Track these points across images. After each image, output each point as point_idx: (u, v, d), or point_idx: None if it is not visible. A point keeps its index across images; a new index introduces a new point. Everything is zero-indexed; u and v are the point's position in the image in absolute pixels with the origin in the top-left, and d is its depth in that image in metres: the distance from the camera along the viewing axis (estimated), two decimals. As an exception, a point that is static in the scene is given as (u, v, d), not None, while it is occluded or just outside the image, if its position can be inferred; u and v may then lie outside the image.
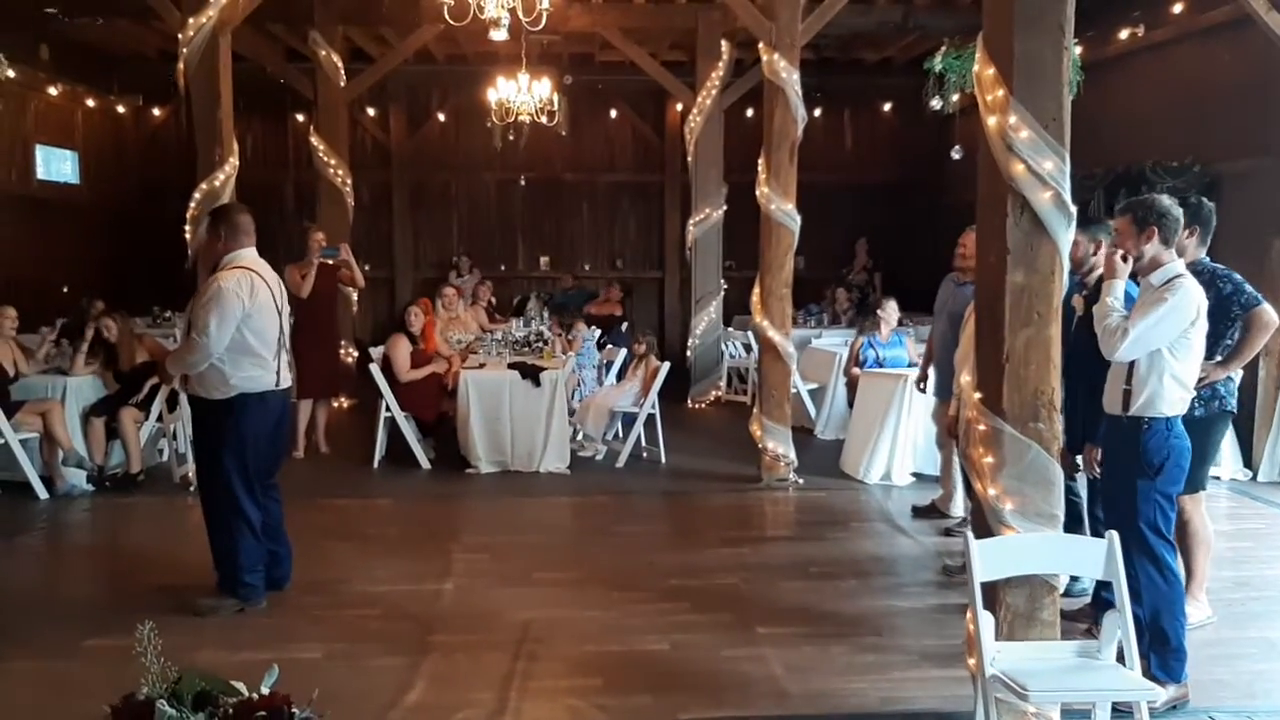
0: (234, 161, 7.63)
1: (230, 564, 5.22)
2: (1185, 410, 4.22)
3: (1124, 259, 4.21)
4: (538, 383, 8.25)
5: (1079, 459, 4.80)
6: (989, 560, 3.53)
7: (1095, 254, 5.01)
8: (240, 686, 2.22)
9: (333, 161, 11.15)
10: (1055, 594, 3.74)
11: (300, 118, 14.11)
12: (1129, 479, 4.18)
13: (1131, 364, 4.15)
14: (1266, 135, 8.13)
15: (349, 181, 11.29)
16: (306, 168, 11.51)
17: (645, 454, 8.86)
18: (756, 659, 4.68)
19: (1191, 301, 4.10)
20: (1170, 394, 4.13)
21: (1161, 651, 4.15)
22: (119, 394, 7.90)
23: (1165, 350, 4.10)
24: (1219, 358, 4.83)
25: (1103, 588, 4.87)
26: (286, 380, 5.39)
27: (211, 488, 5.27)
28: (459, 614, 5.24)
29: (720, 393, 11.88)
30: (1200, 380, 4.64)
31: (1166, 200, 4.31)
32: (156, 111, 14.81)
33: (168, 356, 5.44)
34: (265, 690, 2.24)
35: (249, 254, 5.23)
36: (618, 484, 8.13)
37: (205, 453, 5.32)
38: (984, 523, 3.75)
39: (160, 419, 8.04)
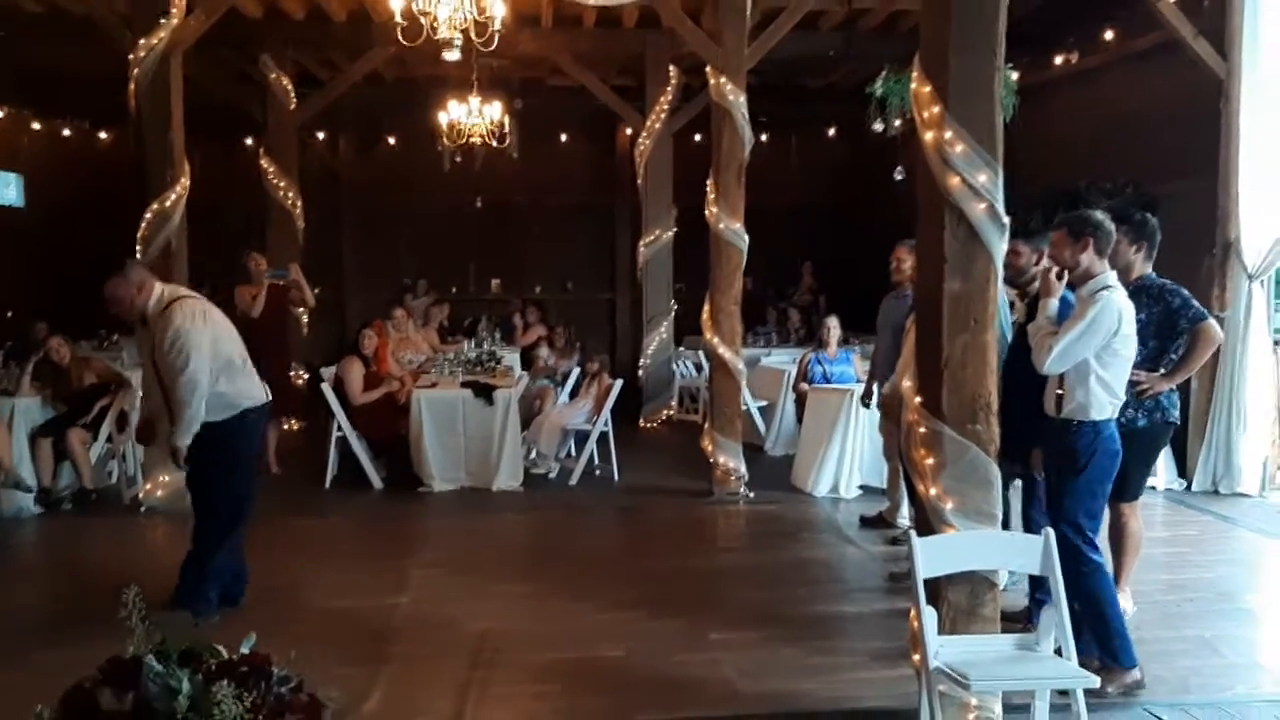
0: (185, 182, 7.63)
1: (197, 580, 5.24)
2: (1114, 414, 4.39)
3: (1059, 276, 4.40)
4: (490, 401, 8.32)
5: (1017, 465, 4.97)
6: (931, 557, 3.67)
7: (1038, 263, 5.20)
8: (221, 649, 2.29)
9: (282, 184, 11.17)
10: (995, 590, 3.89)
11: (250, 140, 14.09)
12: (1059, 477, 4.40)
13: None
14: (1196, 157, 8.43)
15: (299, 204, 11.31)
16: (255, 189, 11.49)
17: (598, 471, 8.94)
18: (710, 663, 4.78)
19: (1113, 313, 4.27)
20: (1098, 399, 4.32)
21: (1103, 638, 4.34)
22: (66, 415, 7.84)
23: (1092, 359, 4.28)
24: (1163, 370, 5.00)
25: (1036, 588, 5.04)
26: (267, 391, 5.49)
27: (215, 505, 5.29)
28: (416, 626, 5.29)
29: (672, 412, 11.99)
30: (1145, 391, 4.86)
31: (1100, 214, 4.52)
32: (104, 134, 14.70)
33: (171, 431, 5.14)
34: (245, 652, 2.31)
35: (168, 287, 5.30)
36: (572, 500, 8.21)
37: (210, 472, 5.28)
38: (926, 522, 3.90)
39: (110, 440, 7.98)
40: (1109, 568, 4.53)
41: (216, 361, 5.10)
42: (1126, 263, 5.18)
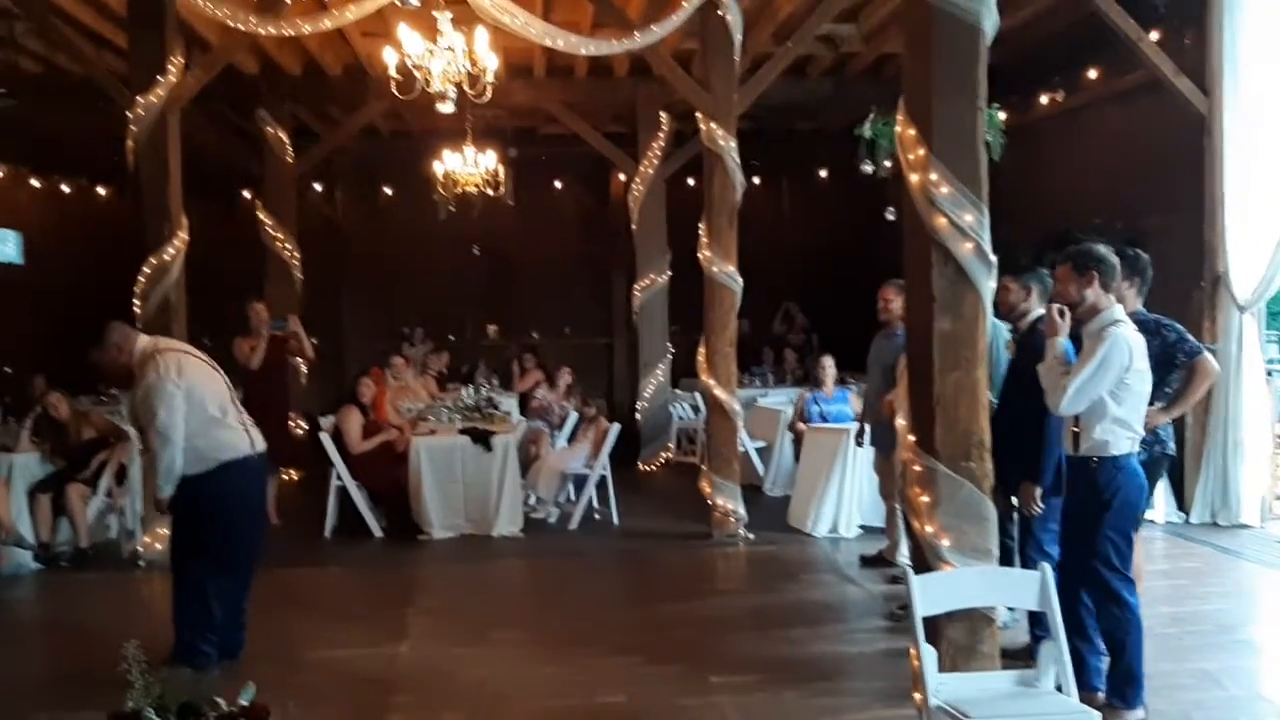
0: (183, 236, 7.70)
1: (192, 632, 5.21)
2: (1133, 449, 4.39)
3: (1061, 314, 4.41)
4: (489, 447, 8.34)
5: (1014, 499, 4.99)
6: (929, 595, 3.67)
7: (1027, 299, 5.24)
8: (221, 701, 2.30)
9: (280, 236, 11.27)
10: (994, 626, 3.90)
11: (247, 194, 14.21)
12: (1083, 516, 4.38)
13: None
14: (1182, 192, 8.53)
15: (297, 255, 11.40)
16: (253, 242, 11.59)
17: (597, 515, 8.94)
18: (712, 707, 4.76)
19: (1123, 349, 4.28)
20: (1115, 434, 4.32)
21: (1120, 680, 4.34)
22: (66, 470, 7.85)
23: (1106, 396, 4.29)
24: (1160, 404, 5.02)
25: (1036, 624, 5.05)
26: (260, 444, 5.44)
27: (185, 557, 5.27)
28: (416, 674, 5.27)
29: (670, 455, 12.01)
30: (1145, 425, 4.89)
31: (1103, 248, 4.53)
32: (101, 191, 14.83)
33: (155, 485, 5.29)
34: (243, 703, 2.32)
35: (146, 340, 5.35)
36: (571, 545, 8.20)
37: (184, 523, 5.31)
38: (923, 560, 3.92)
39: (109, 494, 7.98)
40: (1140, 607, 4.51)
41: (192, 414, 5.09)
42: (1119, 298, 5.23)
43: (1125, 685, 4.38)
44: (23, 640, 6.33)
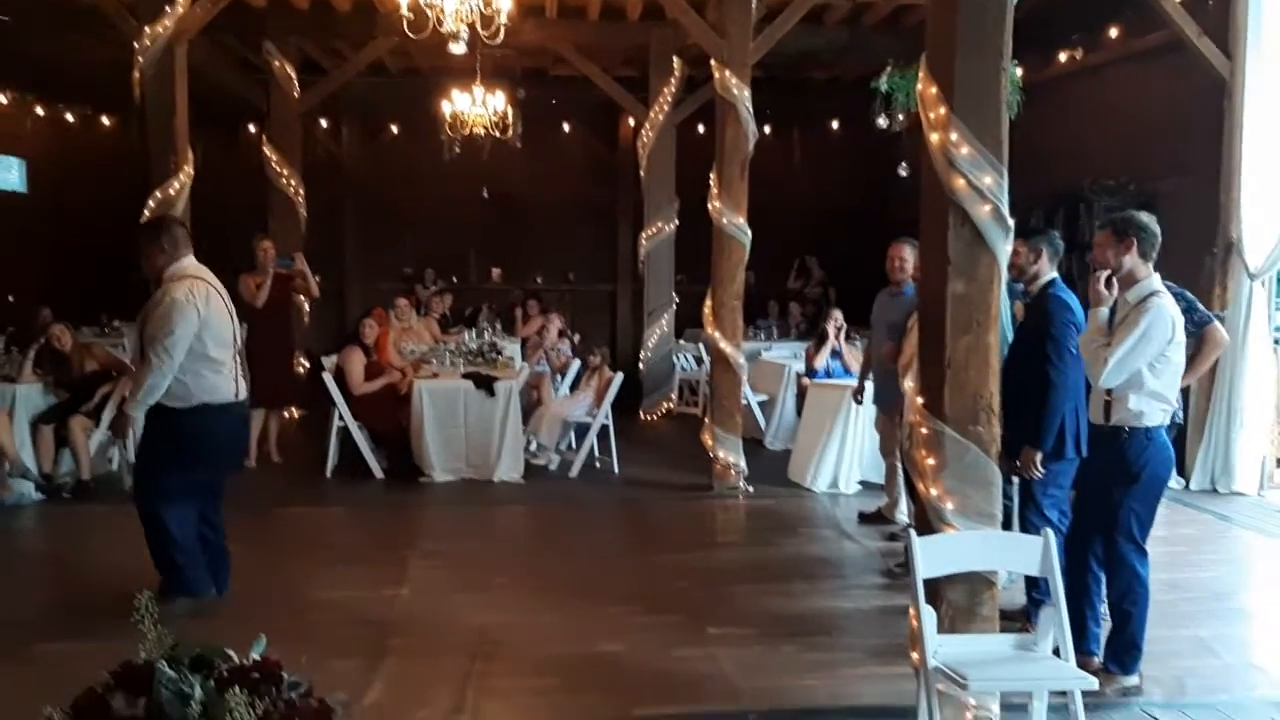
0: (188, 170, 7.65)
1: (168, 562, 5.22)
2: (1166, 420, 4.38)
3: (1108, 284, 4.35)
4: (492, 392, 8.33)
5: (1016, 463, 4.98)
6: (931, 557, 3.68)
7: (1035, 263, 5.20)
8: (233, 654, 2.31)
9: (285, 172, 11.17)
10: (994, 590, 3.91)
11: (253, 128, 14.08)
12: (1107, 486, 4.36)
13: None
14: (1197, 156, 8.44)
15: (301, 192, 11.31)
16: (258, 178, 11.50)
17: (598, 464, 8.96)
18: (708, 658, 4.80)
19: (1165, 321, 4.25)
20: (1149, 406, 4.30)
21: (1120, 648, 4.38)
22: (69, 402, 7.85)
23: (1144, 368, 4.26)
24: None
25: (1034, 587, 5.08)
26: (244, 391, 5.43)
27: (149, 489, 5.26)
28: (415, 618, 5.30)
29: (672, 405, 12.02)
30: None
31: (1145, 216, 4.47)
32: (106, 120, 14.69)
33: (128, 399, 5.19)
34: (255, 657, 2.33)
35: (191, 262, 5.27)
36: (572, 493, 8.23)
37: (152, 455, 5.28)
38: (926, 521, 3.92)
39: (111, 427, 7.99)
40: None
41: (194, 350, 5.06)
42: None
43: (1125, 653, 4.41)
44: (25, 571, 6.36)
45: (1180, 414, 5.21)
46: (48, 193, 13.70)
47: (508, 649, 4.89)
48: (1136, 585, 4.38)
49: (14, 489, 7.51)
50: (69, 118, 14.35)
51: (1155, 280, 4.38)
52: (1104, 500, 4.37)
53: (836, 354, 9.15)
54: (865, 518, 7.30)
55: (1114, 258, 4.40)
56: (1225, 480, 8.14)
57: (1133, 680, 4.40)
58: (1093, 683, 3.61)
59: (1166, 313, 4.27)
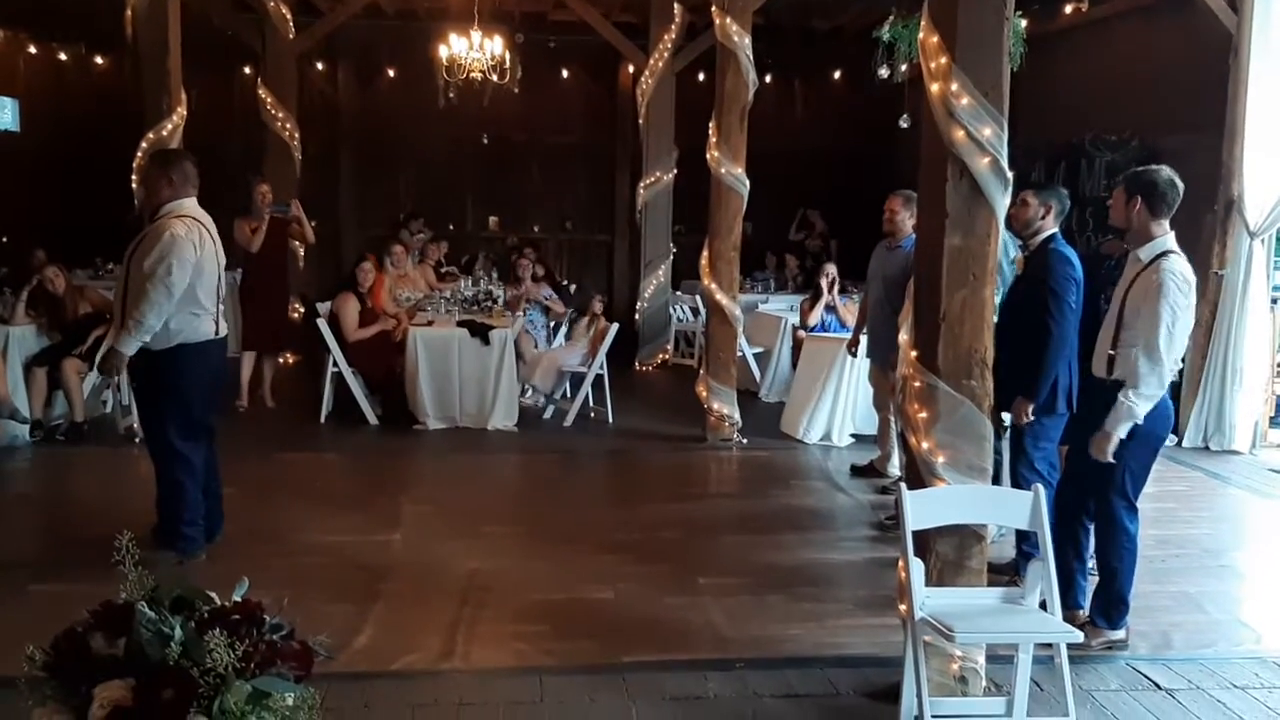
0: (182, 111, 7.57)
1: (172, 515, 5.23)
2: (1170, 380, 4.33)
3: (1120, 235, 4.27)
4: (487, 341, 8.31)
5: (1006, 416, 4.99)
6: (921, 510, 3.69)
7: (1044, 217, 5.17)
8: (214, 596, 2.31)
9: (280, 115, 11.04)
10: (983, 543, 3.91)
11: (248, 70, 13.90)
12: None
13: (1118, 330, 4.30)
14: (1201, 112, 8.36)
15: (297, 136, 11.19)
16: (253, 121, 11.37)
17: (593, 414, 8.96)
18: (697, 607, 4.83)
19: (1180, 286, 4.19)
20: None
21: (1107, 603, 4.40)
22: (62, 344, 7.82)
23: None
24: None
25: (1023, 540, 5.11)
26: (224, 329, 5.41)
27: (155, 438, 5.27)
28: (407, 563, 5.33)
29: (667, 356, 12.01)
30: None
31: (1166, 173, 4.43)
32: (100, 59, 14.49)
33: (119, 334, 5.06)
34: (237, 599, 2.33)
35: (192, 203, 5.19)
36: (565, 442, 8.24)
37: (147, 403, 5.33)
38: (917, 475, 3.91)
39: (99, 366, 7.96)
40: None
41: (187, 287, 5.00)
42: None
43: (1112, 608, 4.45)
44: (19, 513, 6.36)
45: (1175, 372, 5.20)
46: (40, 132, 13.53)
47: (498, 595, 4.91)
48: (1125, 541, 4.40)
49: (7, 431, 7.50)
50: (62, 56, 14.15)
51: (1169, 239, 4.35)
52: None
53: (831, 308, 9.12)
54: (857, 470, 7.31)
55: (1125, 215, 4.38)
56: (1218, 438, 8.16)
57: (1119, 635, 4.45)
58: (1078, 636, 3.63)
59: (1179, 276, 4.22)
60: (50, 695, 2.27)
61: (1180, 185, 4.42)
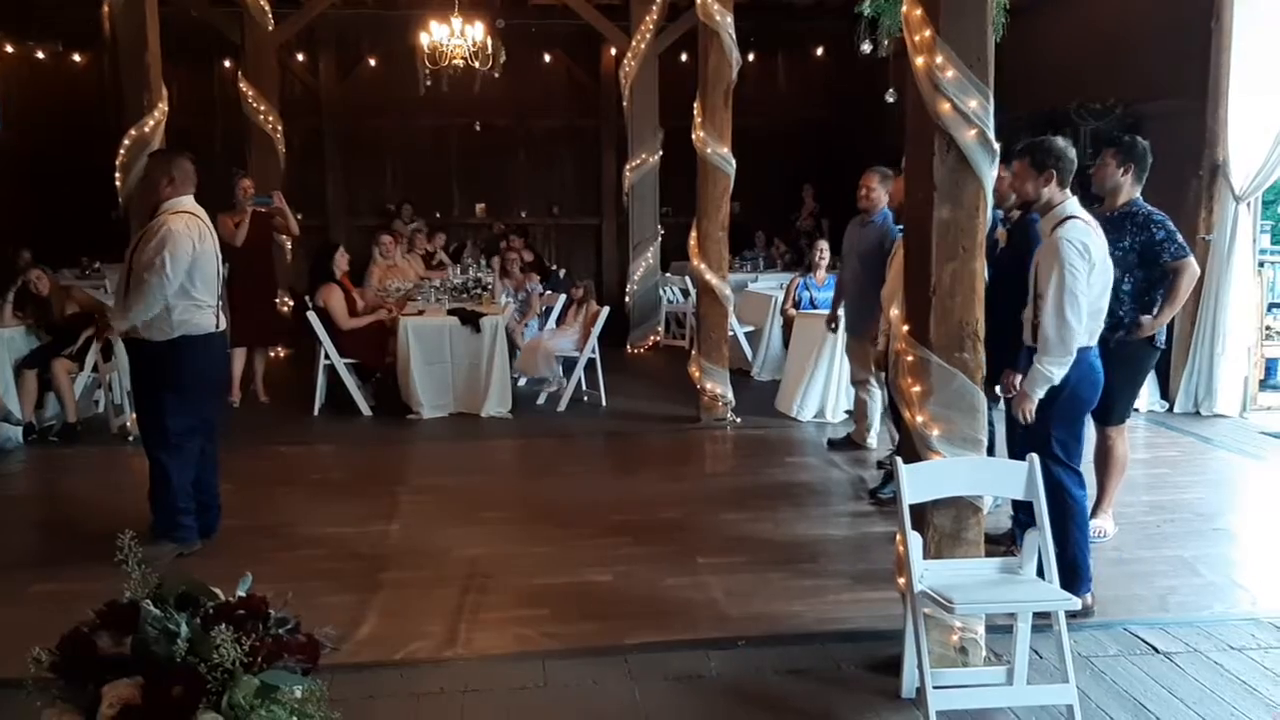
0: (163, 107, 7.51)
1: (166, 506, 5.24)
2: (1091, 341, 4.35)
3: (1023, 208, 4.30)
4: (478, 328, 8.30)
5: (997, 388, 5.00)
6: (917, 483, 3.71)
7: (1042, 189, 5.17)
8: (218, 592, 2.31)
9: (262, 107, 10.99)
10: (979, 515, 3.94)
11: (228, 63, 13.81)
12: (1039, 406, 4.33)
13: (1036, 299, 4.30)
14: (1184, 77, 8.37)
15: (279, 128, 11.14)
16: (235, 114, 11.31)
17: (586, 397, 8.97)
18: (698, 586, 4.86)
19: (1075, 253, 4.17)
20: None
21: (1061, 571, 4.38)
22: (51, 345, 7.80)
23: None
24: (1154, 313, 5.07)
25: (1019, 510, 5.12)
26: (224, 323, 5.47)
27: (150, 428, 5.29)
28: (407, 552, 5.34)
29: (659, 338, 12.02)
30: (1138, 328, 4.91)
31: (1062, 142, 4.46)
32: (77, 57, 14.37)
33: (116, 308, 5.24)
34: (241, 594, 2.33)
35: (190, 200, 5.25)
36: (560, 426, 8.25)
37: (146, 395, 5.33)
38: (912, 448, 3.93)
39: (95, 369, 7.95)
40: (1089, 499, 4.54)
41: (185, 283, 5.07)
42: (1115, 185, 5.17)
43: (1069, 575, 4.33)
44: (16, 514, 6.34)
45: (1162, 337, 5.22)
46: (19, 131, 13.42)
47: (499, 580, 4.93)
48: (1071, 505, 4.37)
49: (0, 433, 7.48)
50: (39, 55, 14.02)
51: (1072, 205, 4.34)
52: (1037, 423, 4.33)
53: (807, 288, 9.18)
54: (834, 445, 7.36)
55: (1032, 189, 4.39)
56: (1208, 403, 8.20)
57: (1077, 603, 4.41)
58: (1076, 603, 3.66)
59: (1075, 243, 4.19)
60: (59, 695, 2.28)
61: (1073, 152, 4.43)
